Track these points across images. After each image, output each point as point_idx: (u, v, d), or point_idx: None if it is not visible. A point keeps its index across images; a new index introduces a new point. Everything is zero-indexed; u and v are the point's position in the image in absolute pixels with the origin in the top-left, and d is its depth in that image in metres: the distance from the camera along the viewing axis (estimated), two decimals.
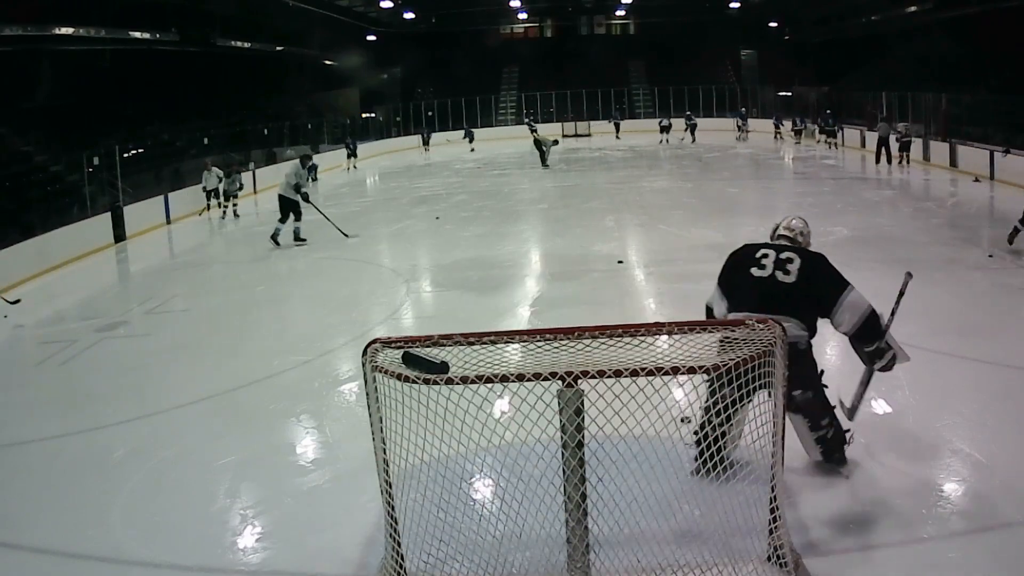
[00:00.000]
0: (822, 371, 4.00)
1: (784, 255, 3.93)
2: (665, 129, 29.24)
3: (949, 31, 22.03)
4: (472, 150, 29.63)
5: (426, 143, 31.30)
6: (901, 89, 21.75)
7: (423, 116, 34.94)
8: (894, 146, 18.70)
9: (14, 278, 10.80)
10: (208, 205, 16.32)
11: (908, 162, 18.61)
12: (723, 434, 3.29)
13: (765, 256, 3.94)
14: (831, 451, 4.03)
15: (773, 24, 35.05)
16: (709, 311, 4.19)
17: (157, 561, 3.71)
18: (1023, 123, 16.17)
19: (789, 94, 31.38)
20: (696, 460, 3.73)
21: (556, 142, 23.15)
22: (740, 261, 4.07)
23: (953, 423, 4.67)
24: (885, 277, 8.58)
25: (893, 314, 4.07)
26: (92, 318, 8.86)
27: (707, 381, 3.60)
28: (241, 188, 16.70)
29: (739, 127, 30.00)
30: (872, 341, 3.96)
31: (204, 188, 16.28)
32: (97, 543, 3.92)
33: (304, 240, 12.16)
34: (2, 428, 5.62)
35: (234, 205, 16.23)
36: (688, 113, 30.30)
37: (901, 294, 4.17)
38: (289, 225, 12.16)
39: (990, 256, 9.13)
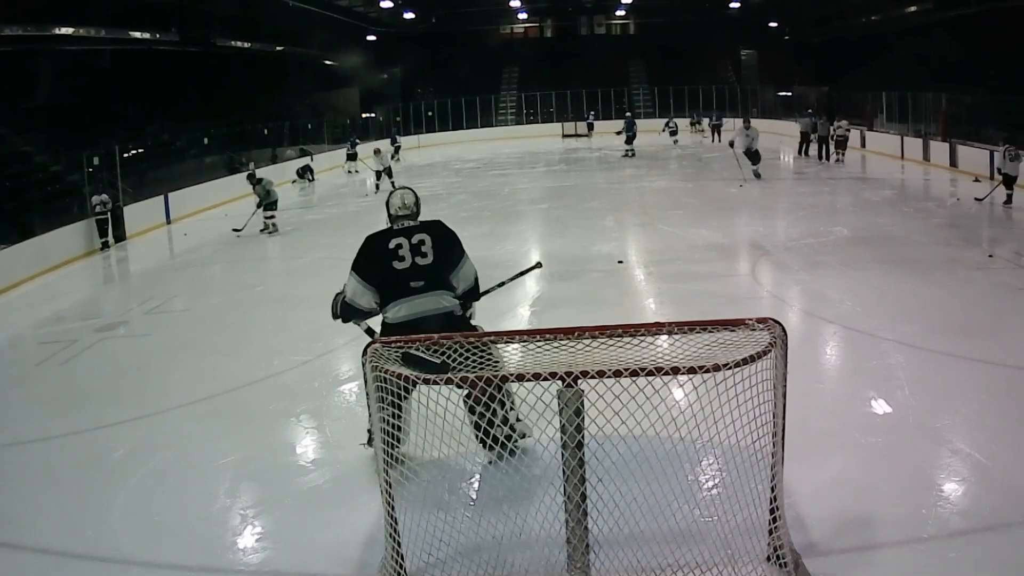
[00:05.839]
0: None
1: (415, 239, 4.14)
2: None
3: (949, 31, 21.98)
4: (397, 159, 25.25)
5: (391, 152, 24.75)
6: (901, 89, 21.74)
7: (423, 116, 34.87)
8: (831, 142, 19.83)
9: (14, 278, 10.81)
10: (378, 186, 18.51)
11: (843, 159, 19.78)
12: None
13: (400, 247, 4.12)
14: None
15: (773, 24, 35.02)
16: (349, 305, 4.30)
17: (157, 561, 3.71)
18: (1023, 123, 16.16)
19: (789, 94, 31.33)
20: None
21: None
22: (376, 253, 4.19)
23: (953, 423, 4.67)
24: (884, 276, 8.67)
25: (502, 284, 4.65)
26: (92, 318, 8.86)
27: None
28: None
29: (815, 128, 20.67)
30: (470, 304, 4.44)
31: (373, 168, 19.01)
32: (97, 543, 3.92)
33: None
34: (2, 428, 5.62)
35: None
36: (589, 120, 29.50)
37: (521, 274, 4.61)
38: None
39: (990, 256, 9.14)
